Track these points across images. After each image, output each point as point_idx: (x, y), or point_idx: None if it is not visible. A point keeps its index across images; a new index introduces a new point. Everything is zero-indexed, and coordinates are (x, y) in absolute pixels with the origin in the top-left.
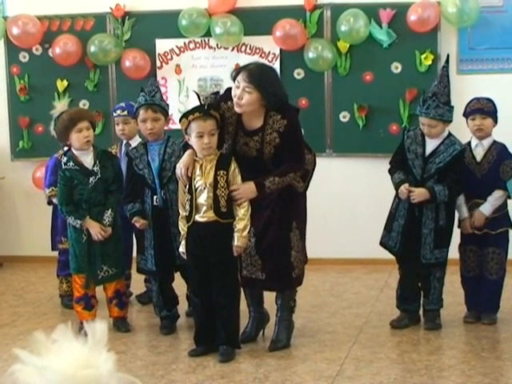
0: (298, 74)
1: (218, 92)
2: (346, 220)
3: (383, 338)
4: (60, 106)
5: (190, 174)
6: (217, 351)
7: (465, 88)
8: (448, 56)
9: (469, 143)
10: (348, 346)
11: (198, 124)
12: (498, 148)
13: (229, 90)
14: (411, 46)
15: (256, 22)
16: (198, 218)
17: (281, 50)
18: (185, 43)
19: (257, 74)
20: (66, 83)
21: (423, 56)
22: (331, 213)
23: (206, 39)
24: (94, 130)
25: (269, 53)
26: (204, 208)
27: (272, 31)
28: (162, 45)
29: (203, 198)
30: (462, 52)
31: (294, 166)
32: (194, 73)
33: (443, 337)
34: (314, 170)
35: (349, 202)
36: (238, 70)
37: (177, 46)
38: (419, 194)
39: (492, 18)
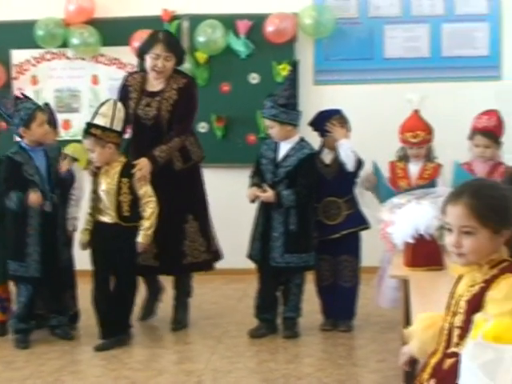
0: None
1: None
2: None
3: (242, 347)
4: None
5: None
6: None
7: (321, 98)
8: (295, 61)
9: (319, 150)
10: (207, 357)
11: (85, 141)
12: None
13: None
14: (268, 56)
15: (113, 33)
16: (102, 219)
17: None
18: (41, 54)
19: (172, 42)
20: None
21: (280, 67)
22: None
23: (63, 50)
24: None
25: (127, 64)
26: (107, 211)
27: (130, 42)
28: (18, 55)
29: (107, 202)
30: (318, 63)
31: (177, 132)
32: (50, 84)
33: (301, 345)
34: (199, 162)
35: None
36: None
37: (33, 57)
38: (266, 197)
39: (348, 30)
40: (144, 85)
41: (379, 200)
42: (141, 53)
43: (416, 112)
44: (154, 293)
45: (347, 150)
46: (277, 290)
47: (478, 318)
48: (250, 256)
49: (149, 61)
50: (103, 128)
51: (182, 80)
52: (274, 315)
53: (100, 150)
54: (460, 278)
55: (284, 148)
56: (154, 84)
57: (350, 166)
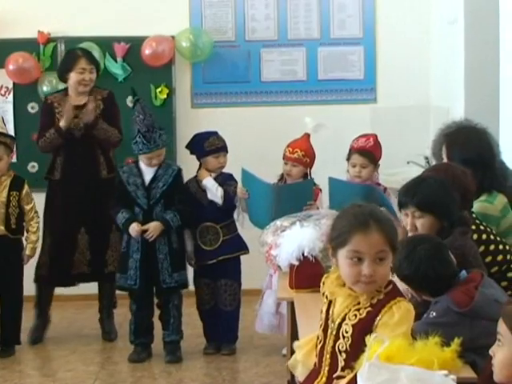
0: (32, 107)
1: None
2: None
3: (124, 373)
4: None
5: None
6: None
7: (200, 121)
8: (133, 90)
9: (195, 176)
10: None
11: None
12: (222, 176)
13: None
14: (146, 79)
15: None
16: None
17: (14, 83)
18: None
19: (91, 56)
20: None
21: (158, 90)
22: None
23: None
24: None
25: (1, 86)
26: None
27: (5, 64)
28: None
29: None
30: (196, 86)
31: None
32: None
33: (184, 369)
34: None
35: None
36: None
37: None
38: (154, 228)
39: (225, 53)
40: (67, 101)
41: (252, 218)
42: (64, 72)
43: (306, 135)
44: (44, 321)
45: (214, 190)
46: (153, 314)
47: (372, 339)
48: (123, 287)
49: (75, 77)
50: (10, 137)
51: (103, 92)
52: (150, 339)
53: (7, 159)
54: (332, 299)
55: (148, 172)
56: (78, 99)
57: (219, 202)
